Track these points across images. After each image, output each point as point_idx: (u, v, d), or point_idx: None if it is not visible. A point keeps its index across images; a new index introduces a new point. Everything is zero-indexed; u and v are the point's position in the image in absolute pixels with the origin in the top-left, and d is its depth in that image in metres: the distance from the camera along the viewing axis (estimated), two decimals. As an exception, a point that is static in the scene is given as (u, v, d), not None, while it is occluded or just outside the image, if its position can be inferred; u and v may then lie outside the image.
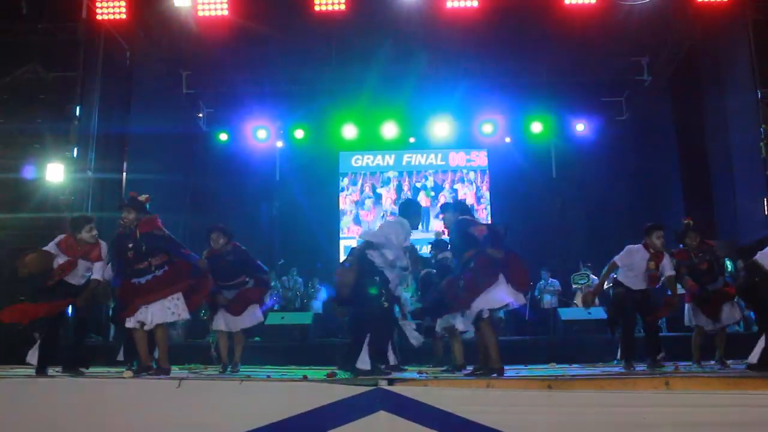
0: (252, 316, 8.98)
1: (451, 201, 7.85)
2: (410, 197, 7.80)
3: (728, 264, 13.13)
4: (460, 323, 7.20)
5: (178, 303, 7.63)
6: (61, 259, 7.88)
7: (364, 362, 6.83)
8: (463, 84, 16.40)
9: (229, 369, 8.83)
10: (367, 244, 7.22)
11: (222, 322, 8.87)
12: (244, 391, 6.10)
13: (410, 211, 7.56)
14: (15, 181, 13.03)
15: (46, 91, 13.68)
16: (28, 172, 13.17)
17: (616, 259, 8.78)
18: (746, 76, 13.65)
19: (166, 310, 7.53)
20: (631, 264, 8.71)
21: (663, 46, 15.50)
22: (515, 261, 7.00)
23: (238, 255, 8.87)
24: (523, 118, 17.90)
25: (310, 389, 6.01)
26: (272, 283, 14.61)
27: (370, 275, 7.10)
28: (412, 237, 7.44)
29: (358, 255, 7.27)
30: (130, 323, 7.56)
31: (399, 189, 18.72)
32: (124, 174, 14.78)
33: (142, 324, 7.52)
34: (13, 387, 6.76)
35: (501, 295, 6.85)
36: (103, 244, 8.12)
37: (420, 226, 7.80)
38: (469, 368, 7.77)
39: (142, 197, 8.04)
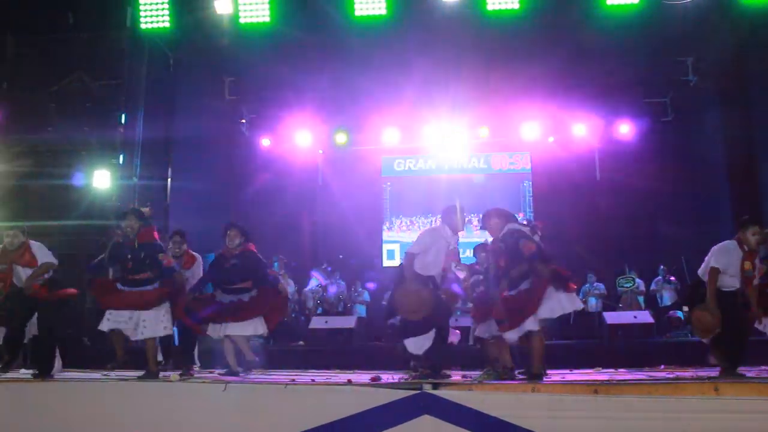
0: (246, 325, 8.45)
1: (494, 207, 7.71)
2: (452, 203, 7.64)
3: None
4: (509, 336, 7.10)
5: (168, 316, 7.92)
6: None
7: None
8: (505, 86, 16.30)
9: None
10: (409, 256, 7.39)
11: (214, 328, 8.52)
12: (289, 395, 6.13)
13: (451, 216, 7.54)
14: (63, 188, 13.26)
15: (92, 100, 13.92)
16: (77, 179, 13.40)
17: (713, 263, 7.62)
18: (796, 74, 13.42)
19: (159, 324, 7.78)
20: (728, 263, 7.58)
21: (709, 45, 15.24)
22: (561, 274, 6.97)
23: (246, 260, 8.52)
24: (566, 120, 17.73)
25: (354, 393, 6.01)
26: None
27: (424, 284, 7.17)
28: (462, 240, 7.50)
29: (410, 274, 7.33)
30: (104, 326, 7.78)
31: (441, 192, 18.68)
32: (169, 180, 14.95)
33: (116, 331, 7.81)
34: (57, 389, 6.90)
35: (550, 309, 6.81)
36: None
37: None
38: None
39: (145, 209, 8.57)
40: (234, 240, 8.53)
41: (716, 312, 7.20)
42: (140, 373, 7.59)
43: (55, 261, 8.34)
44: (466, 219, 7.87)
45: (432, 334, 7.16)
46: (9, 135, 13.93)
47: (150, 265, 7.74)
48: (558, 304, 6.79)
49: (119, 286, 7.80)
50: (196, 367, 9.18)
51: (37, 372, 7.93)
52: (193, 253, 9.36)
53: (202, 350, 10.06)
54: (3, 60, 14.16)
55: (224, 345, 8.56)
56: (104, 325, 7.77)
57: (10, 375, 8.15)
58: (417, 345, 7.15)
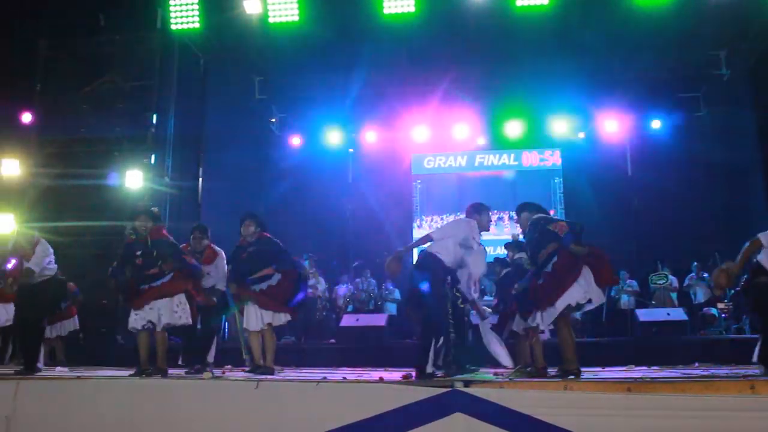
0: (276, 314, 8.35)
1: (525, 201, 7.67)
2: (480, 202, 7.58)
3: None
4: (540, 322, 7.02)
5: (184, 307, 8.06)
6: None
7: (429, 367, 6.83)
8: (535, 82, 16.23)
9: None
10: (426, 238, 7.37)
11: (250, 318, 8.32)
12: (321, 393, 6.15)
13: (478, 213, 7.51)
14: (95, 188, 13.42)
15: (123, 101, 14.08)
16: (110, 180, 13.55)
17: (761, 235, 7.27)
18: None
19: (173, 313, 7.96)
20: None
21: (742, 38, 15.06)
22: (600, 256, 6.91)
23: (263, 245, 8.42)
24: (597, 115, 17.62)
25: (385, 391, 6.02)
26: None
27: (442, 275, 7.10)
28: (487, 238, 7.43)
29: (424, 252, 7.35)
30: (137, 323, 8.01)
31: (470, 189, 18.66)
32: (200, 179, 15.06)
33: (147, 325, 7.99)
34: (91, 387, 6.97)
35: (583, 292, 6.76)
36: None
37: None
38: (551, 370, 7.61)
39: (154, 209, 8.74)
40: (249, 228, 8.46)
41: (734, 274, 7.23)
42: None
43: (36, 269, 8.55)
44: (495, 217, 7.81)
45: (446, 336, 7.11)
46: (42, 136, 14.13)
47: (164, 259, 8.01)
48: (590, 292, 6.74)
49: (140, 285, 8.04)
50: (210, 369, 9.03)
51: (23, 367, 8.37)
52: (216, 248, 9.31)
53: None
54: (36, 62, 14.36)
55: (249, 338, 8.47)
56: (135, 323, 8.02)
57: (46, 372, 8.33)
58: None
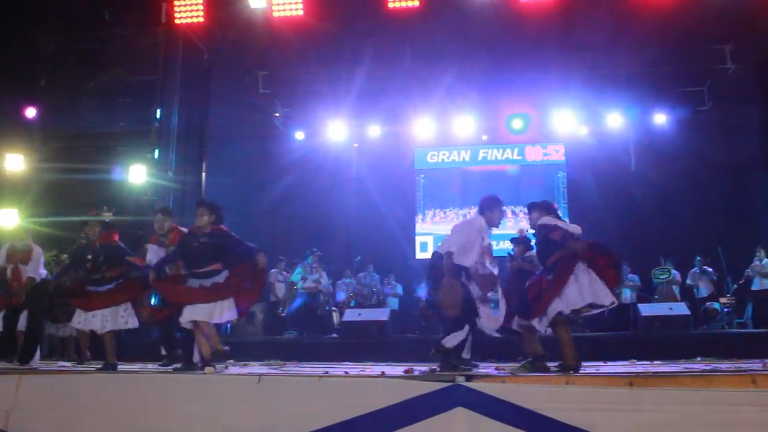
0: (210, 309, 7.70)
1: (535, 201, 7.67)
2: (490, 193, 7.51)
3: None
4: (537, 324, 7.07)
5: (131, 312, 8.22)
6: None
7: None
8: (538, 77, 16.22)
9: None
10: (448, 256, 7.23)
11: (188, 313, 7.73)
12: (323, 387, 6.16)
13: (489, 208, 7.48)
14: (100, 182, 13.46)
15: (128, 95, 14.12)
16: (114, 174, 13.59)
17: None
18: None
19: (119, 318, 8.13)
20: None
21: (747, 32, 14.99)
22: (603, 256, 6.96)
23: (215, 238, 7.85)
24: (601, 110, 17.61)
25: (387, 385, 6.03)
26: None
27: (456, 275, 7.18)
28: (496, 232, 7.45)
29: (450, 271, 7.22)
30: (80, 324, 8.22)
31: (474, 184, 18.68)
32: (204, 174, 15.09)
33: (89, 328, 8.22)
34: (92, 382, 7.02)
35: (578, 295, 6.80)
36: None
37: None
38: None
39: (106, 215, 9.03)
40: (203, 218, 7.90)
41: None
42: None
43: (37, 277, 8.99)
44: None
45: (467, 329, 7.17)
46: (46, 131, 14.16)
47: (110, 265, 8.12)
48: (588, 294, 6.77)
49: (88, 287, 8.17)
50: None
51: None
52: (182, 229, 8.74)
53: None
54: (40, 57, 14.38)
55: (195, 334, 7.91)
56: (78, 324, 8.25)
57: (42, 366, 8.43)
58: (453, 340, 7.15)
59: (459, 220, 7.90)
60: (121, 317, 8.13)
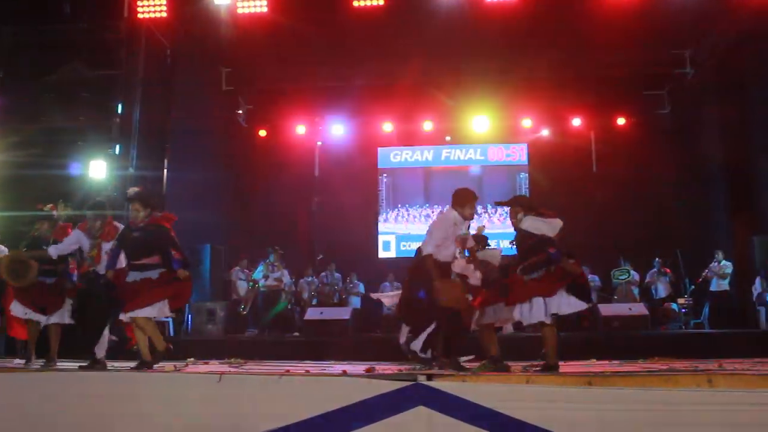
0: (150, 307, 7.62)
1: (518, 195, 7.73)
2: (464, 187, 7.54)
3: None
4: (519, 316, 7.12)
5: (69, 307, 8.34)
6: None
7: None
8: (502, 78, 16.31)
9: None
10: (428, 257, 7.27)
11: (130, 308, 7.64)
12: (284, 386, 6.14)
13: (460, 202, 7.43)
14: (59, 178, 13.24)
15: (88, 89, 13.89)
16: (74, 169, 13.39)
17: None
18: (794, 68, 13.44)
19: (65, 313, 8.37)
20: None
21: (706, 37, 15.26)
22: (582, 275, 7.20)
23: (149, 234, 7.70)
24: (564, 112, 17.79)
25: (349, 384, 6.02)
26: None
27: (444, 274, 7.25)
28: None
29: (434, 272, 7.23)
30: (20, 313, 8.35)
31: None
32: (165, 171, 14.94)
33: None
34: (47, 380, 6.94)
35: (573, 301, 6.99)
36: None
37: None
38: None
39: (59, 209, 8.88)
40: (138, 213, 7.76)
41: None
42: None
43: None
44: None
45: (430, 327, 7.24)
46: (5, 125, 13.91)
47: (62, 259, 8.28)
48: (567, 301, 6.95)
49: (40, 278, 8.21)
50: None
51: None
52: (117, 224, 8.45)
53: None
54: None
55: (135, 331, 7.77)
56: (18, 312, 8.32)
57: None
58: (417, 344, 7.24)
59: (435, 219, 7.89)
60: (66, 312, 8.24)
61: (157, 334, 7.69)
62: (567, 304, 6.96)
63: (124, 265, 7.80)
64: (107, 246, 8.10)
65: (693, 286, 15.07)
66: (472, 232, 8.86)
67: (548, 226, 7.17)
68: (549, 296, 6.89)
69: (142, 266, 7.61)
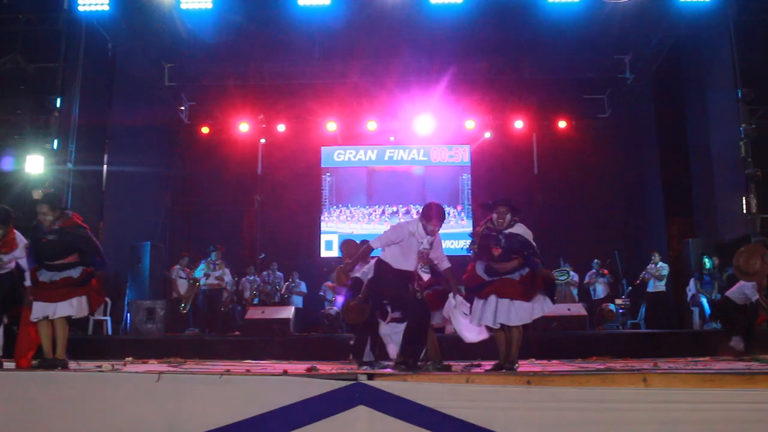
0: (69, 306, 7.45)
1: (507, 198, 7.68)
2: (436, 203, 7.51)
3: (706, 261, 13.30)
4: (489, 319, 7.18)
5: None
6: None
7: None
8: (446, 79, 16.40)
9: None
10: (368, 248, 7.54)
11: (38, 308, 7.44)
12: (224, 385, 6.08)
13: (429, 216, 7.30)
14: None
15: (26, 83, 13.63)
16: (7, 164, 13.09)
17: None
18: (727, 76, 13.79)
19: None
20: None
21: (645, 44, 15.58)
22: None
23: (64, 236, 7.45)
24: (506, 114, 17.97)
25: (289, 383, 5.99)
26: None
27: (396, 281, 7.28)
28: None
29: (377, 260, 7.46)
30: None
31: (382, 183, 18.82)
32: (105, 166, 14.70)
33: None
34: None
35: (549, 303, 7.24)
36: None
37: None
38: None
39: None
40: (46, 218, 7.44)
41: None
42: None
43: None
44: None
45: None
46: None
47: None
48: (548, 303, 7.24)
49: None
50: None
51: None
52: (19, 236, 7.84)
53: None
54: (-67, 41, 13.75)
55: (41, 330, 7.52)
56: None
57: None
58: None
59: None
60: None
61: (64, 342, 7.49)
62: (548, 306, 7.24)
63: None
64: (6, 257, 7.62)
65: (630, 287, 15.38)
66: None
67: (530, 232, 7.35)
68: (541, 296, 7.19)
69: (60, 266, 7.44)
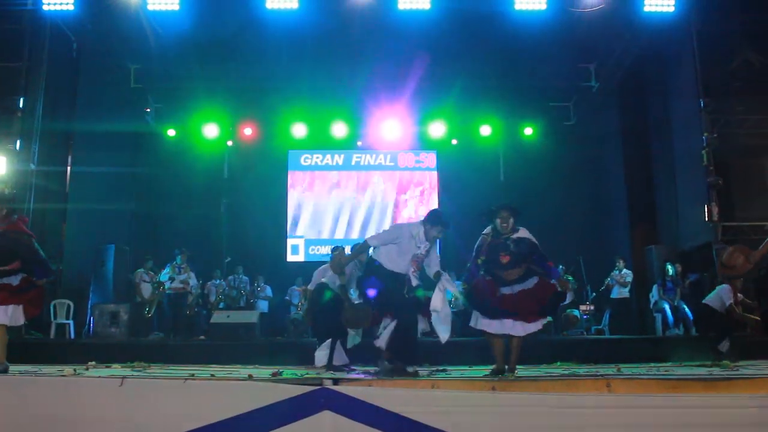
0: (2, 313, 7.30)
1: (509, 204, 7.69)
2: (437, 208, 7.58)
3: (669, 268, 13.47)
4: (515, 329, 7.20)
5: None
6: None
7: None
8: (412, 85, 16.44)
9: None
10: (364, 245, 7.60)
11: None
12: (188, 390, 6.04)
13: (431, 223, 7.36)
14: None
15: (-12, 82, 13.44)
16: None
17: None
18: (690, 85, 14.02)
19: None
20: None
21: (610, 53, 15.75)
22: None
23: (6, 241, 7.27)
24: (473, 120, 18.05)
25: (254, 388, 5.97)
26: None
27: (389, 283, 7.31)
28: None
29: (369, 259, 7.53)
30: None
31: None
32: (69, 167, 14.55)
33: None
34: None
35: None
36: None
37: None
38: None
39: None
40: None
41: (754, 260, 8.30)
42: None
43: None
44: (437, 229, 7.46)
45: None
46: None
47: None
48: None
49: None
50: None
51: None
52: None
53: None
54: None
55: None
56: None
57: None
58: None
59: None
60: None
61: (4, 348, 7.37)
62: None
63: None
64: None
65: (595, 294, 15.52)
66: None
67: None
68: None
69: (5, 272, 7.26)
